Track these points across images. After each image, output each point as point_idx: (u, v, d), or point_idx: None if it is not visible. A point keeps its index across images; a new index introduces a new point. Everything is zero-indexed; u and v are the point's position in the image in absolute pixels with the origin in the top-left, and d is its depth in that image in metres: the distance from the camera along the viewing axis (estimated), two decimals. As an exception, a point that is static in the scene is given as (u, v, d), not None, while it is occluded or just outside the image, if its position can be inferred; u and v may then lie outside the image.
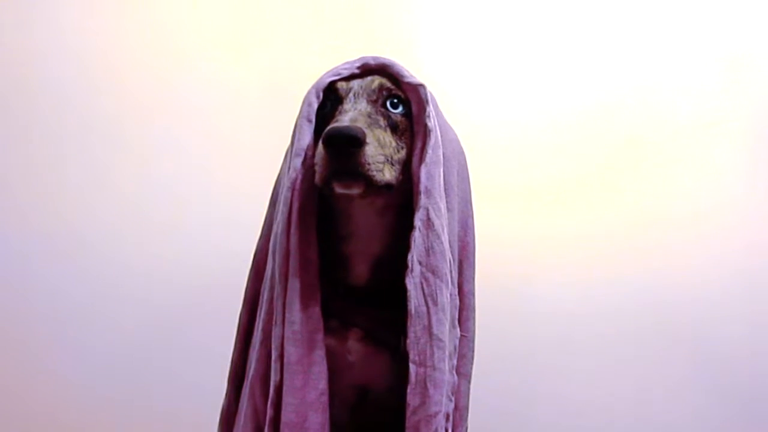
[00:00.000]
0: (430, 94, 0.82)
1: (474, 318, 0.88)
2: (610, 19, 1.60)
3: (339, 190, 0.75)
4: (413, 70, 0.83)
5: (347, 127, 0.71)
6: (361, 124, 0.73)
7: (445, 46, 1.59)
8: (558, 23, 1.60)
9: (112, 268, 1.48)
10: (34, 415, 1.43)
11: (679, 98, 1.57)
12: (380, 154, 0.74)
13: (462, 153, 0.88)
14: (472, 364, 0.88)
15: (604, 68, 1.59)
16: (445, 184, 0.81)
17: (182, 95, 1.53)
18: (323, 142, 0.71)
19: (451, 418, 0.79)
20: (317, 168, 0.74)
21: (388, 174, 0.75)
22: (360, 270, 0.85)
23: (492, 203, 1.45)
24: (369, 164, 0.72)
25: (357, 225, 0.83)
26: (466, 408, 0.87)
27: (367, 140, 0.71)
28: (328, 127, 0.72)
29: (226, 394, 0.92)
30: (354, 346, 0.84)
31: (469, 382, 0.87)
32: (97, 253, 1.49)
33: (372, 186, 0.74)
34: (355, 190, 0.75)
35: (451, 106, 0.92)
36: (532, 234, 1.54)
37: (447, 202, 0.81)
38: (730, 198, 1.55)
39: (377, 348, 0.84)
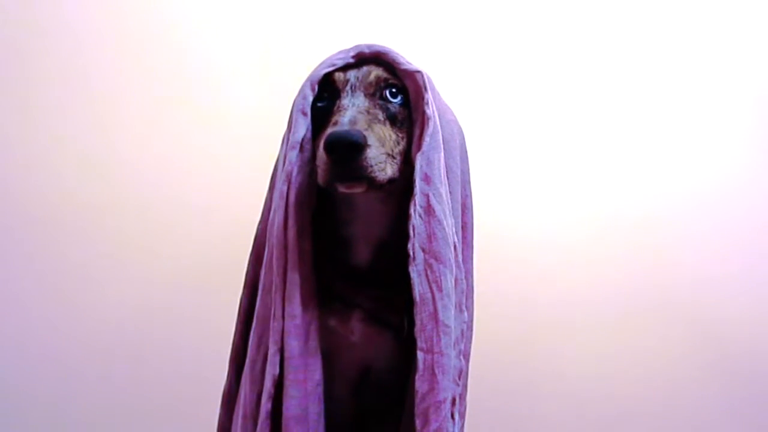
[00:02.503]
0: (428, 78, 0.81)
1: (473, 297, 0.89)
2: (607, 14, 1.61)
3: (342, 190, 0.76)
4: (409, 50, 0.83)
5: (348, 132, 0.71)
6: (361, 124, 0.73)
7: (440, 28, 1.59)
8: (555, 27, 1.61)
9: (112, 249, 1.48)
10: (33, 399, 1.43)
11: (681, 90, 1.60)
12: (382, 153, 0.74)
13: (461, 132, 0.88)
14: (470, 343, 0.89)
15: (605, 64, 1.60)
16: (446, 167, 0.81)
17: (178, 76, 1.53)
18: (325, 149, 0.72)
19: (457, 402, 0.79)
20: (319, 170, 0.75)
21: (390, 170, 0.75)
22: (362, 252, 0.85)
23: (489, 186, 1.46)
24: (371, 166, 0.72)
25: (359, 211, 0.84)
26: (465, 386, 0.88)
27: (369, 142, 0.72)
28: (329, 132, 0.72)
29: (227, 376, 0.92)
30: (356, 327, 0.85)
31: (468, 361, 0.88)
32: (96, 235, 1.48)
33: (375, 185, 0.74)
34: (358, 190, 0.75)
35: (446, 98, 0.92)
36: (532, 215, 1.55)
37: (447, 185, 0.81)
38: (732, 180, 1.58)
39: (379, 328, 0.85)
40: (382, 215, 0.83)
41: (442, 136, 0.81)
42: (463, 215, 0.87)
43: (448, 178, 0.82)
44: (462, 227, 0.86)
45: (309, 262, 0.80)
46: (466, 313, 0.83)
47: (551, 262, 1.53)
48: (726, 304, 1.53)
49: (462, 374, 0.82)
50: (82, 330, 1.46)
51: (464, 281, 0.83)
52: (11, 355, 1.44)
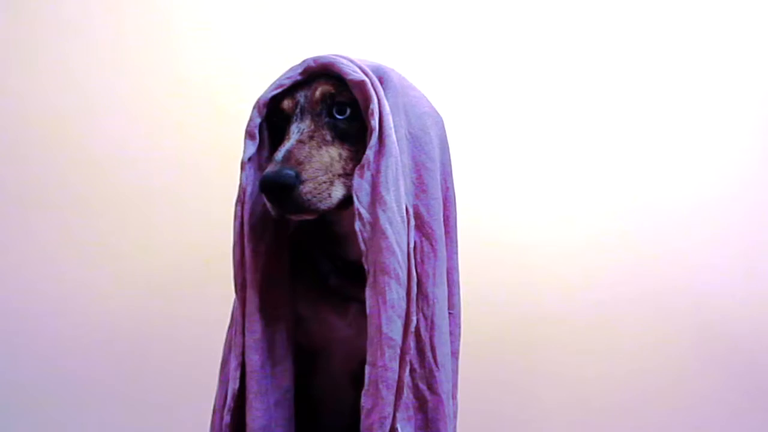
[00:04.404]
0: (384, 80, 0.79)
1: (459, 294, 0.87)
2: (607, 13, 1.59)
3: (294, 219, 0.77)
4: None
5: (277, 174, 0.71)
6: (298, 155, 0.74)
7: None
8: (553, 25, 1.59)
9: (114, 236, 1.50)
10: (30, 396, 1.45)
11: (681, 85, 1.59)
12: (322, 182, 0.74)
13: (437, 124, 0.85)
14: (459, 340, 0.86)
15: (606, 64, 1.58)
16: (416, 164, 0.79)
17: (181, 71, 1.54)
18: (259, 190, 0.74)
19: (398, 416, 0.76)
20: (267, 204, 0.76)
21: (339, 192, 0.75)
22: (355, 247, 0.82)
23: (489, 183, 1.45)
24: (309, 200, 0.73)
25: (344, 212, 0.82)
26: (455, 385, 0.86)
27: (304, 177, 0.72)
28: (263, 174, 0.73)
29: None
30: (353, 320, 0.85)
31: (457, 359, 0.86)
32: (98, 221, 1.50)
33: (320, 212, 0.74)
34: (308, 218, 0.76)
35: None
36: (532, 211, 1.53)
37: (420, 183, 0.79)
38: (733, 175, 1.58)
39: None
40: None
41: (411, 132, 0.79)
42: (445, 209, 0.84)
43: (421, 175, 0.79)
44: (444, 221, 0.83)
45: (281, 272, 0.80)
46: (413, 323, 0.78)
47: (551, 256, 1.51)
48: (727, 298, 1.51)
49: (437, 382, 0.79)
50: (81, 324, 1.48)
51: (443, 278, 0.81)
52: (8, 352, 1.47)
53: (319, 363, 0.90)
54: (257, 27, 1.55)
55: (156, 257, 1.49)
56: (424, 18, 1.56)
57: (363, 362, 0.86)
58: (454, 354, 0.84)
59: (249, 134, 0.79)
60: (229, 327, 0.87)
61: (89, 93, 1.51)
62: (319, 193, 0.73)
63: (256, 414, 0.79)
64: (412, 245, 0.76)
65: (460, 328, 0.86)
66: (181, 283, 1.48)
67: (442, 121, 0.86)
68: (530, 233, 1.51)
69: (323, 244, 0.87)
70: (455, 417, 0.86)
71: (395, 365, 0.74)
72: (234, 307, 0.84)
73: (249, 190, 0.79)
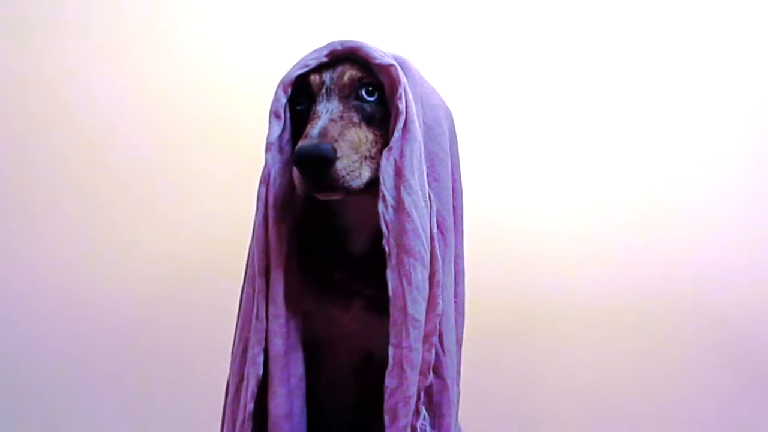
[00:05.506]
0: (405, 67, 0.80)
1: (463, 282, 0.88)
2: (617, 19, 1.60)
3: (320, 198, 0.76)
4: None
5: (315, 146, 0.71)
6: (332, 133, 0.73)
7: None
8: (555, 21, 1.60)
9: (120, 230, 1.51)
10: (34, 392, 1.45)
11: (684, 78, 1.59)
12: (355, 160, 0.74)
13: (448, 116, 0.87)
14: (462, 329, 0.88)
15: (607, 63, 1.59)
16: (429, 154, 0.80)
17: (181, 70, 1.55)
18: (294, 164, 0.73)
19: (422, 396, 0.78)
20: (295, 180, 0.76)
21: (366, 173, 0.75)
22: (359, 241, 0.85)
23: (494, 179, 1.47)
24: (343, 177, 0.73)
25: (350, 203, 0.83)
26: (459, 373, 0.87)
27: (339, 154, 0.72)
28: (298, 146, 0.72)
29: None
30: (357, 315, 0.86)
31: (461, 346, 0.87)
32: (104, 214, 1.51)
33: (351, 192, 0.74)
34: (336, 197, 0.76)
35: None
36: (536, 207, 1.54)
37: (433, 172, 0.80)
38: (734, 169, 1.58)
39: (379, 315, 0.83)
40: (374, 206, 0.82)
41: (425, 122, 0.80)
42: (453, 200, 0.85)
43: (434, 165, 0.81)
44: (452, 211, 0.85)
45: (293, 260, 0.80)
46: (440, 305, 0.79)
47: (554, 253, 1.52)
48: (730, 289, 1.51)
49: (443, 366, 0.80)
50: (84, 320, 1.48)
51: (442, 271, 0.81)
52: (12, 347, 1.47)
53: (322, 357, 0.90)
54: (257, 27, 1.56)
55: (156, 256, 1.49)
56: (426, 13, 1.57)
57: (365, 357, 0.89)
58: (458, 341, 0.86)
59: (275, 114, 0.79)
60: (239, 317, 0.85)
61: (89, 93, 1.52)
62: (352, 171, 0.73)
63: (279, 400, 0.78)
64: (435, 229, 0.78)
65: (463, 316, 0.88)
66: (181, 282, 1.48)
67: (451, 114, 0.88)
68: (534, 227, 1.52)
69: (326, 238, 0.87)
70: (457, 403, 0.87)
71: (420, 346, 0.75)
72: (248, 295, 0.83)
73: (273, 172, 0.78)
